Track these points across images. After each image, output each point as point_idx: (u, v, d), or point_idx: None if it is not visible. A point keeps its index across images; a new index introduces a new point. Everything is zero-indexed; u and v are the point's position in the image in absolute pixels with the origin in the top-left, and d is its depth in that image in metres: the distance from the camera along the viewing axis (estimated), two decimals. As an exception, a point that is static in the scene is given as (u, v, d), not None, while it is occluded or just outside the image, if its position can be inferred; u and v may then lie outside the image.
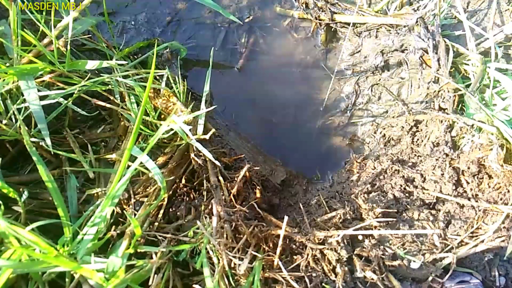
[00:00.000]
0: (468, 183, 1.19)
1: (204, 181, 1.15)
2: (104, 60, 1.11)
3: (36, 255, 0.73)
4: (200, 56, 1.66)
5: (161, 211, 1.10)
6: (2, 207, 0.83)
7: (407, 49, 1.51)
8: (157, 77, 1.30)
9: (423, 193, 1.18)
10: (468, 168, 1.19)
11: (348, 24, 1.63)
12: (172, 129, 1.09)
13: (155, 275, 0.91)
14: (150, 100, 1.27)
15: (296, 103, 1.60)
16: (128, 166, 0.86)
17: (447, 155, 1.26)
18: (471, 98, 1.28)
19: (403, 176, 1.23)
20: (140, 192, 1.14)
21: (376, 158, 1.35)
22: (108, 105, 1.16)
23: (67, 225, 0.86)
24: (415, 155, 1.33)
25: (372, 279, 0.96)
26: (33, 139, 1.02)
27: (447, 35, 1.53)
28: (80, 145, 1.19)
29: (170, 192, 1.15)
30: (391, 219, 1.09)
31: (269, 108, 1.59)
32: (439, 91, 1.39)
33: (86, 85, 1.09)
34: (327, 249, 1.01)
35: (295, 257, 1.03)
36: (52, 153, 1.05)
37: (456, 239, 1.06)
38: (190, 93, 1.50)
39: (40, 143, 1.05)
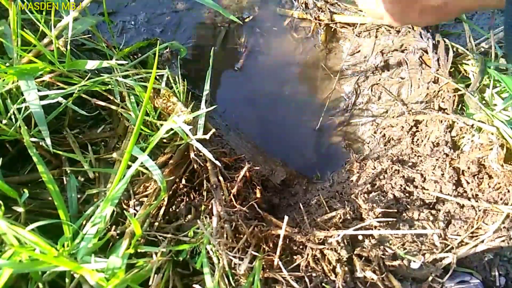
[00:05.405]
0: (468, 183, 1.19)
1: (204, 181, 1.15)
2: (104, 60, 1.11)
3: (36, 255, 0.73)
4: (200, 56, 1.66)
5: (161, 211, 1.10)
6: (2, 207, 0.83)
7: (406, 49, 1.51)
8: (157, 77, 1.30)
9: (423, 193, 1.18)
10: (468, 168, 1.19)
11: (348, 24, 1.63)
12: (172, 129, 1.09)
13: (155, 275, 0.91)
14: (150, 100, 1.27)
15: (296, 103, 1.60)
16: (129, 166, 0.86)
17: (447, 155, 1.26)
18: (471, 98, 1.28)
19: (403, 176, 1.23)
20: (140, 192, 1.14)
21: (376, 158, 1.35)
22: (108, 105, 1.16)
23: (67, 225, 0.86)
24: (415, 155, 1.33)
25: (372, 279, 0.96)
26: (33, 139, 1.02)
27: (447, 35, 1.53)
28: (80, 145, 1.19)
29: (170, 192, 1.15)
30: (391, 219, 1.09)
31: (269, 108, 1.60)
32: (439, 91, 1.39)
33: (86, 85, 1.09)
34: (327, 249, 1.01)
35: (295, 257, 1.03)
36: (52, 153, 1.05)
37: (456, 239, 1.06)
38: (190, 93, 1.51)
39: (40, 143, 1.04)
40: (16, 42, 1.01)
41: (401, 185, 1.21)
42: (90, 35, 1.36)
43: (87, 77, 1.09)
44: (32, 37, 1.00)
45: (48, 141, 0.99)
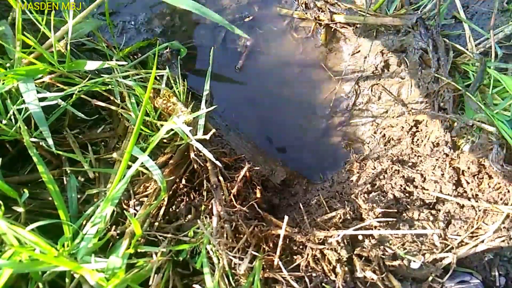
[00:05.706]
0: (468, 183, 1.19)
1: (204, 181, 1.15)
2: (104, 61, 1.11)
3: (36, 255, 0.73)
4: (200, 56, 1.66)
5: (161, 211, 1.10)
6: (2, 207, 0.83)
7: (407, 49, 1.51)
8: (157, 77, 1.30)
9: (423, 193, 1.18)
10: (468, 168, 1.19)
11: (348, 24, 1.63)
12: (172, 129, 1.09)
13: (155, 275, 0.91)
14: (150, 100, 1.27)
15: (296, 103, 1.60)
16: (129, 166, 0.86)
17: (447, 155, 1.26)
18: (471, 98, 1.28)
19: (403, 176, 1.23)
20: (140, 192, 1.14)
21: (376, 158, 1.35)
22: (108, 106, 1.16)
23: (67, 225, 0.86)
24: (415, 155, 1.33)
25: (372, 279, 0.96)
26: (33, 139, 1.02)
27: (447, 35, 1.53)
28: (80, 145, 1.19)
29: (170, 192, 1.15)
30: (391, 219, 1.09)
31: (269, 108, 1.60)
32: (439, 91, 1.39)
33: (87, 86, 1.09)
34: (327, 249, 1.01)
35: (295, 257, 1.03)
36: (53, 153, 1.05)
37: (456, 239, 1.06)
38: (190, 93, 1.51)
39: (40, 143, 1.05)
40: (17, 42, 1.01)
41: (401, 185, 1.21)
42: (90, 36, 1.36)
43: (88, 78, 1.09)
44: (32, 40, 1.00)
45: (50, 141, 0.99)
